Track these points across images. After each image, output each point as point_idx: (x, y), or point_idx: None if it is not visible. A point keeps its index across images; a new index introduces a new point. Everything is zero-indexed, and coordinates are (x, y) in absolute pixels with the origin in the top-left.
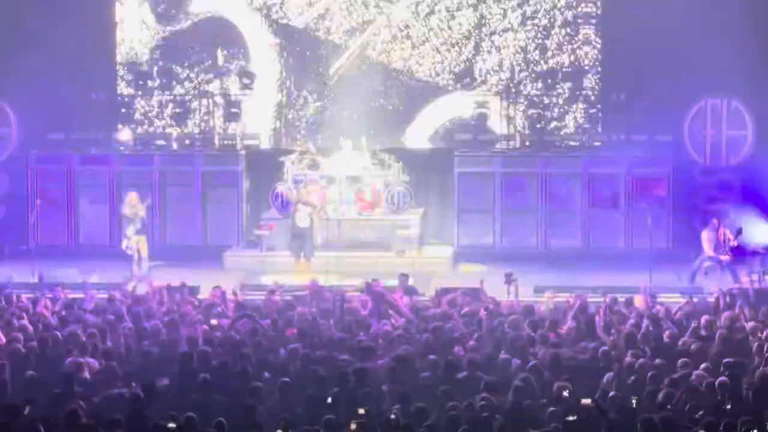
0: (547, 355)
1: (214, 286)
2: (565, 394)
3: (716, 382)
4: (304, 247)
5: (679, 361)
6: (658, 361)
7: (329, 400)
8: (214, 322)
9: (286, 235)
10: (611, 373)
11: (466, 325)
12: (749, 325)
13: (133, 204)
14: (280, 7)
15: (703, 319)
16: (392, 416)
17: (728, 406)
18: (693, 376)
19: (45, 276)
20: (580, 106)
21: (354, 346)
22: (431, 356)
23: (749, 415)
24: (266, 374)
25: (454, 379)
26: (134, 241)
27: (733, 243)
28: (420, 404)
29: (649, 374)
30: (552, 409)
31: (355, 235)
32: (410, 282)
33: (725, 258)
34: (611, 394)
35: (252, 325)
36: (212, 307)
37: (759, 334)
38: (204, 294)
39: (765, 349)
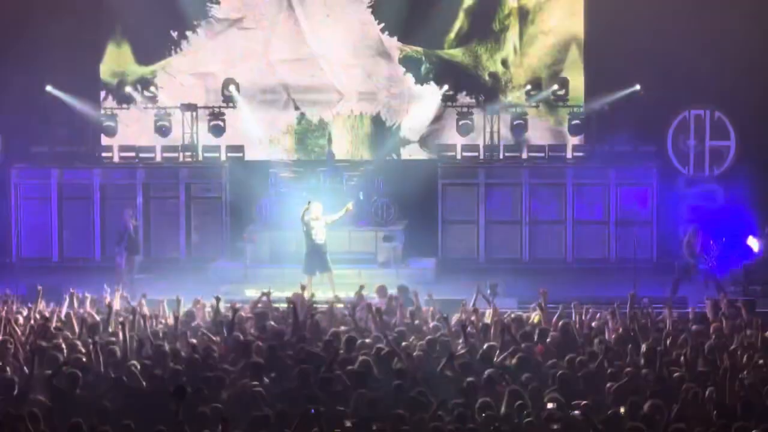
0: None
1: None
2: (551, 405)
3: (705, 393)
4: (323, 261)
5: (665, 370)
6: (645, 371)
7: None
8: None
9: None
10: (601, 384)
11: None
12: (737, 334)
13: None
14: None
15: (690, 328)
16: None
17: (716, 417)
18: (681, 387)
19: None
20: (565, 116)
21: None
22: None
23: (738, 425)
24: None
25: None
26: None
27: (717, 252)
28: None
29: (635, 384)
30: (536, 419)
31: (337, 246)
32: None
33: (707, 267)
34: (598, 403)
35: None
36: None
37: (747, 344)
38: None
39: (753, 359)
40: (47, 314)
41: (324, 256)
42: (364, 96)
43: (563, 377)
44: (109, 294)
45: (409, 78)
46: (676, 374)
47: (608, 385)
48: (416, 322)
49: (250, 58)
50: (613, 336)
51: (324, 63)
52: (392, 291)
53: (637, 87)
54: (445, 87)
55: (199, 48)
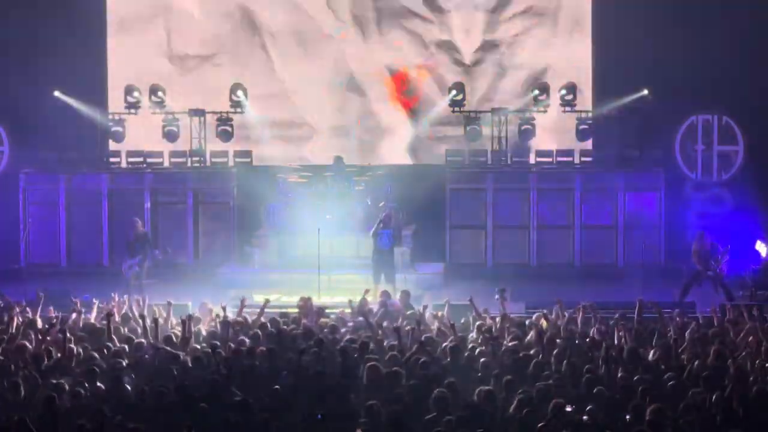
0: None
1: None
2: (568, 409)
3: (712, 398)
4: (386, 270)
5: (672, 375)
6: (647, 376)
7: None
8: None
9: (283, 254)
10: (602, 387)
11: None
12: (744, 339)
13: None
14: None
15: (697, 334)
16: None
17: (721, 422)
18: (688, 392)
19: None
20: (573, 121)
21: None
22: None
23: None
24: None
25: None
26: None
27: (725, 257)
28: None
29: (641, 389)
30: (553, 422)
31: (346, 252)
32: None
33: (716, 272)
34: (605, 408)
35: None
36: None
37: (754, 349)
38: (193, 311)
39: (760, 364)
40: (54, 320)
41: (389, 265)
42: (337, 131)
43: (568, 382)
44: (124, 301)
45: (382, 111)
46: (682, 379)
47: (615, 389)
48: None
49: (221, 94)
50: (621, 341)
51: (297, 98)
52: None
53: (645, 92)
54: (453, 92)
55: (171, 83)
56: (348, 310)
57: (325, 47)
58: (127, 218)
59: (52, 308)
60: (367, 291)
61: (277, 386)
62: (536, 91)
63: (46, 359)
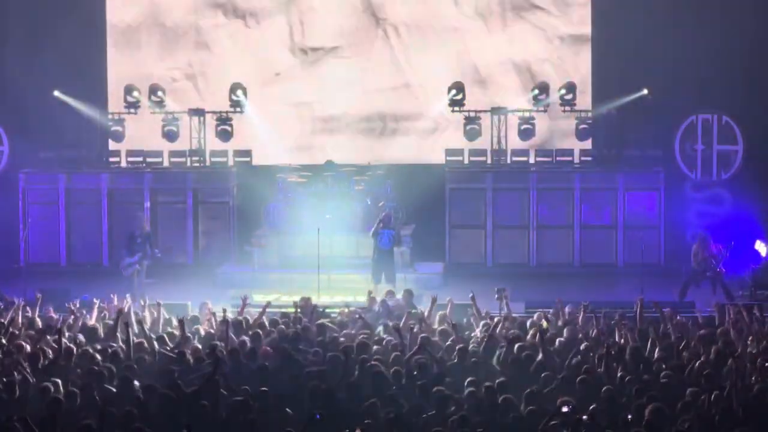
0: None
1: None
2: (565, 409)
3: (711, 397)
4: (386, 270)
5: (671, 374)
6: (646, 376)
7: None
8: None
9: (283, 254)
10: (606, 387)
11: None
12: (744, 339)
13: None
14: None
15: (697, 333)
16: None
17: (720, 421)
18: (687, 391)
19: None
20: (572, 121)
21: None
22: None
23: (739, 429)
24: None
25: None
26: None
27: (724, 257)
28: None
29: (641, 388)
30: (554, 422)
31: (345, 251)
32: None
33: (715, 272)
34: (603, 408)
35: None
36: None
37: (754, 349)
38: (193, 312)
39: (760, 364)
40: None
41: (389, 266)
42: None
43: (569, 381)
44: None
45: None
46: (682, 378)
47: (616, 389)
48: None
49: (346, 87)
50: (621, 341)
51: (419, 91)
52: (399, 296)
53: (645, 91)
54: (453, 92)
55: (294, 77)
56: (347, 310)
57: (449, 40)
58: (127, 217)
59: (51, 308)
60: (371, 293)
61: (276, 386)
62: (536, 91)
63: (46, 359)
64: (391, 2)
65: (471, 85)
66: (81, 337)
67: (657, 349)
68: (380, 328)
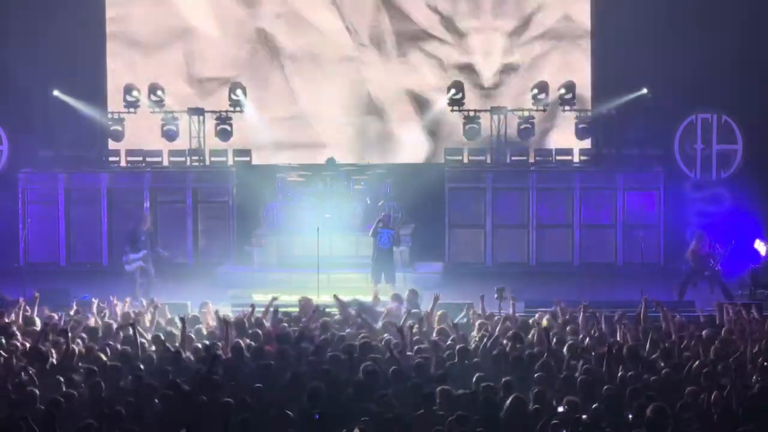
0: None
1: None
2: (562, 408)
3: (711, 397)
4: (386, 269)
5: (672, 374)
6: (647, 375)
7: None
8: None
9: (282, 253)
10: (607, 387)
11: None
12: (744, 338)
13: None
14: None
15: (697, 332)
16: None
17: (720, 421)
18: (687, 390)
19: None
20: (572, 120)
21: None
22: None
23: (742, 429)
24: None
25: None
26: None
27: (722, 256)
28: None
29: (642, 388)
30: (555, 422)
31: (345, 251)
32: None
33: (713, 271)
34: (604, 408)
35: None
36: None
37: (754, 348)
38: (193, 311)
39: (760, 363)
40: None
41: (388, 265)
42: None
43: (571, 381)
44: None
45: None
46: (682, 378)
47: (617, 388)
48: (424, 328)
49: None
50: (622, 340)
51: (314, 121)
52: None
53: (645, 90)
54: (452, 91)
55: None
56: (353, 311)
57: (343, 69)
58: (128, 216)
59: (46, 308)
60: (376, 294)
61: (276, 385)
62: (535, 90)
63: (47, 358)
64: (285, 32)
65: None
66: (83, 336)
67: (657, 349)
68: (380, 324)
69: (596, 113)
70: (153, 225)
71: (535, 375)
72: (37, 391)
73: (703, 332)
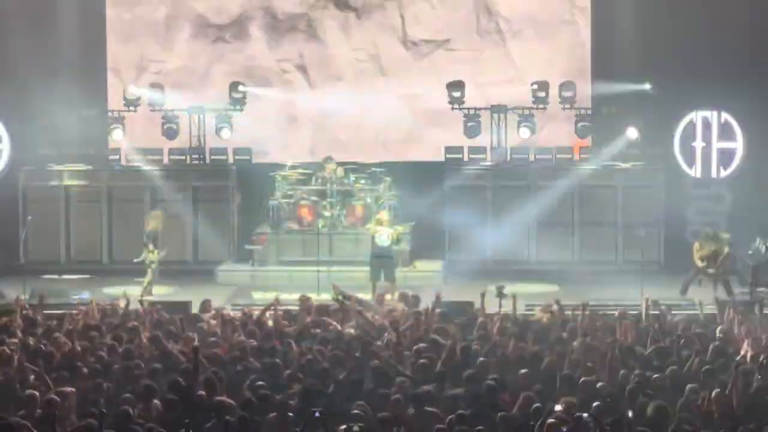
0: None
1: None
2: (558, 407)
3: (711, 395)
4: (385, 267)
5: (664, 371)
6: (647, 373)
7: None
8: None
9: (283, 252)
10: (607, 385)
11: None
12: (745, 336)
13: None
14: None
15: (696, 331)
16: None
17: (721, 419)
18: (688, 388)
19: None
20: (572, 118)
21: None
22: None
23: (743, 427)
24: None
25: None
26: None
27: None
28: None
29: (642, 386)
30: (547, 421)
31: (345, 249)
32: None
33: (716, 269)
34: (605, 406)
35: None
36: None
37: (755, 346)
38: (194, 310)
39: (761, 361)
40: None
41: (386, 261)
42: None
43: (569, 379)
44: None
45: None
46: (682, 376)
47: (617, 387)
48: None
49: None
50: (622, 338)
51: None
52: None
53: (647, 86)
54: (452, 90)
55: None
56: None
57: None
58: (125, 215)
59: (47, 307)
60: (380, 295)
61: (276, 383)
62: (535, 86)
63: (48, 358)
64: None
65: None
66: (83, 335)
67: (658, 347)
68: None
69: (596, 111)
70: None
71: (537, 374)
72: (38, 392)
73: (704, 330)
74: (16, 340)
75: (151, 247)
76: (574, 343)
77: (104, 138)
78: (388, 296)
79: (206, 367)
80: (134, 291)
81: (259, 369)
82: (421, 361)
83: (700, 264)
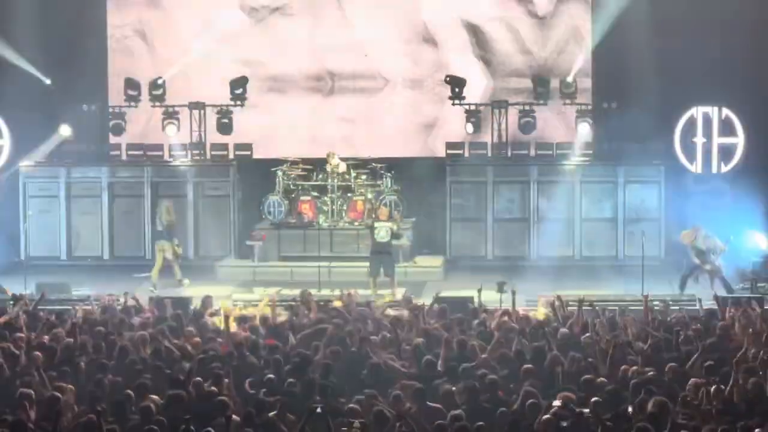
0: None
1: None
2: (557, 403)
3: (712, 390)
4: (385, 263)
5: (664, 367)
6: (647, 369)
7: None
8: None
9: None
10: (607, 381)
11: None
12: (745, 332)
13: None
14: None
15: (696, 327)
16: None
17: (721, 414)
18: (688, 383)
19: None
20: (572, 114)
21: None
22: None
23: (741, 422)
24: None
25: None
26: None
27: (723, 250)
28: None
29: (643, 381)
30: (546, 416)
31: (346, 245)
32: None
33: (713, 266)
34: (605, 401)
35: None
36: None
37: (755, 342)
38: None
39: (761, 356)
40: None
41: (385, 258)
42: (410, 83)
43: (571, 376)
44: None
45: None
46: (683, 371)
47: (617, 382)
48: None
49: (293, 45)
50: (622, 334)
51: (369, 49)
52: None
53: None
54: (453, 87)
55: (242, 35)
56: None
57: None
58: (126, 213)
59: (48, 302)
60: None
61: (278, 379)
62: (535, 83)
63: (49, 354)
64: None
65: (421, 42)
66: (85, 330)
67: (658, 343)
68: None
69: (597, 107)
70: (153, 220)
71: (535, 369)
72: (40, 387)
73: (704, 326)
74: (22, 335)
75: (176, 241)
76: (574, 339)
77: (105, 133)
78: (387, 292)
79: (204, 362)
80: (133, 289)
81: (260, 365)
82: (423, 357)
83: (696, 260)
